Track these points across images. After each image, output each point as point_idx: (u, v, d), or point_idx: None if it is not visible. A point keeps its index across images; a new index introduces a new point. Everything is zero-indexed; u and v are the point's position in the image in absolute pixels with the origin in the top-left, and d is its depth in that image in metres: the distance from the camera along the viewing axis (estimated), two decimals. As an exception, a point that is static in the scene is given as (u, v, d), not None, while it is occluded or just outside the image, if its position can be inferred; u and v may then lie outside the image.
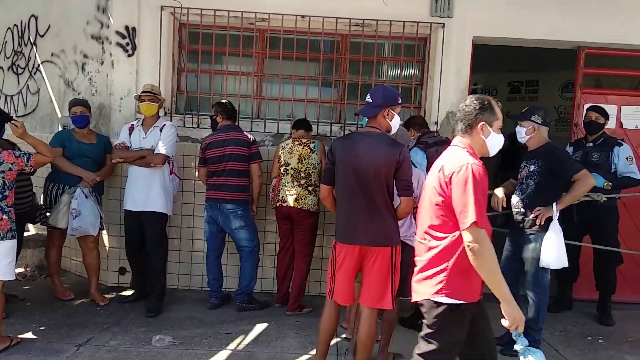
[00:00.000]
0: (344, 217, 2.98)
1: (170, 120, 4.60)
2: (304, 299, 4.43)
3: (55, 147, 4.17)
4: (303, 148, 4.33)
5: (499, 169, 8.69)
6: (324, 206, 3.36)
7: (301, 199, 4.27)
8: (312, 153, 4.32)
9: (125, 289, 4.77)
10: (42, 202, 4.43)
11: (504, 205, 3.71)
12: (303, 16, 4.66)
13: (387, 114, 2.98)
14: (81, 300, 4.45)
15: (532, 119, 3.64)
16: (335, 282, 3.00)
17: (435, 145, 3.96)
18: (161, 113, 4.53)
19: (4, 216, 3.36)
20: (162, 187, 4.23)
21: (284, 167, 4.35)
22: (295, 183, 4.29)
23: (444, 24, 4.68)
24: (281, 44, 4.76)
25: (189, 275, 4.88)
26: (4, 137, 3.86)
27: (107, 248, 4.82)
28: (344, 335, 3.87)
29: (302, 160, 4.31)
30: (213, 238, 4.45)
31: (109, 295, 4.56)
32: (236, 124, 4.48)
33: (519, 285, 3.67)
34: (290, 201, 4.27)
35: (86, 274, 4.52)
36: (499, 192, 3.75)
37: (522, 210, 3.64)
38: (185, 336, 3.80)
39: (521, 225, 3.63)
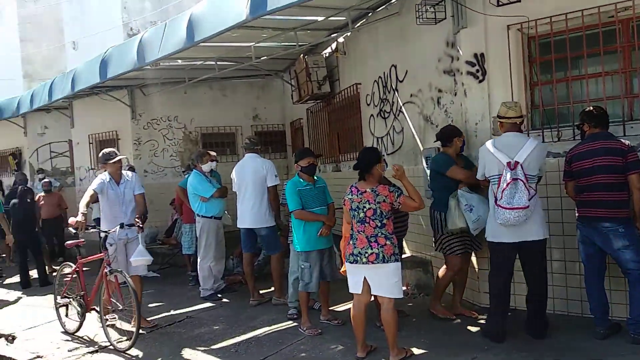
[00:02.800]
0: None
1: (529, 137, 4.49)
2: None
3: None
4: (703, 147, 3.50)
5: None
6: None
7: None
8: None
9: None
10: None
11: None
12: (683, -12, 3.85)
13: None
14: (457, 321, 4.68)
15: None
16: None
17: None
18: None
19: (387, 242, 3.84)
20: None
21: (675, 173, 3.61)
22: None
23: None
24: (654, 29, 4.03)
25: (566, 300, 4.53)
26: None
27: (476, 269, 4.97)
28: None
29: (701, 163, 3.48)
30: (590, 260, 4.04)
31: (482, 316, 4.66)
32: (607, 130, 3.99)
33: None
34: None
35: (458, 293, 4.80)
36: None
37: None
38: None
39: None
